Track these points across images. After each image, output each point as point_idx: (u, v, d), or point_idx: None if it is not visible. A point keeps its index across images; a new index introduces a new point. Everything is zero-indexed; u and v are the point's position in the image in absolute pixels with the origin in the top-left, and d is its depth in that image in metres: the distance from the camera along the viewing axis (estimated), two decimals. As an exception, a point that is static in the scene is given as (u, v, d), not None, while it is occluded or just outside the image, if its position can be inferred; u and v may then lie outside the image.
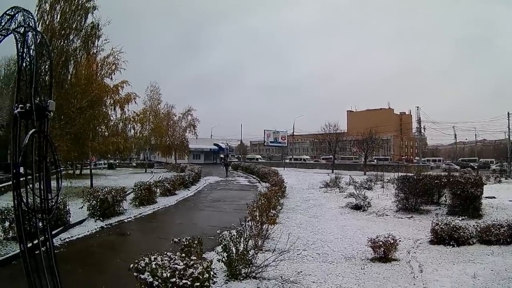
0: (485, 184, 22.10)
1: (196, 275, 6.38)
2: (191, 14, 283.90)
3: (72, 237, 13.29)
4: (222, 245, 8.88)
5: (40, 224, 5.05)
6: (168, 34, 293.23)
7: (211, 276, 6.87)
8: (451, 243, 12.39)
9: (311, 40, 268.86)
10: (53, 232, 10.15)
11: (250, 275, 8.89)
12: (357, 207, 20.20)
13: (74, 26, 23.50)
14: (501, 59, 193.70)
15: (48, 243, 5.05)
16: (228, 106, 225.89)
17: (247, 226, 10.01)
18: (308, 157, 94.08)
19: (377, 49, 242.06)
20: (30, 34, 5.13)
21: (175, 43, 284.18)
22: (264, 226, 12.03)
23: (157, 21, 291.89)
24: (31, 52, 5.06)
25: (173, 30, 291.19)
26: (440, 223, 12.89)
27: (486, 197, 19.88)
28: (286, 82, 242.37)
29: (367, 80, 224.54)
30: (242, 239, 9.14)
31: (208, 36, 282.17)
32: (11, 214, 10.99)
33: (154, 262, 6.46)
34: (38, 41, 5.20)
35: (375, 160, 77.89)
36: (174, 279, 6.21)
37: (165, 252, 6.93)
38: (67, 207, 14.47)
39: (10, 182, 4.98)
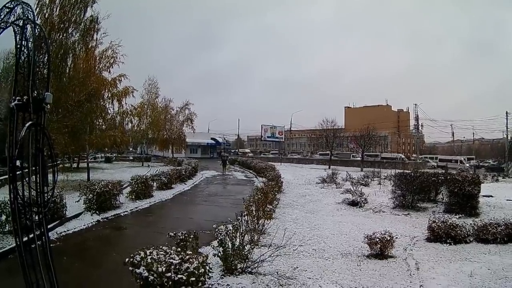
0: (483, 183, 22.13)
1: (192, 269, 6.39)
2: (202, 11, 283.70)
3: (68, 230, 13.26)
4: (218, 240, 8.88)
5: (36, 217, 5.03)
6: (179, 31, 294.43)
7: (207, 271, 6.88)
8: (448, 241, 12.45)
9: (320, 39, 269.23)
10: (49, 226, 10.17)
11: (246, 270, 8.90)
12: (353, 203, 20.26)
13: (73, 20, 23.36)
14: (504, 61, 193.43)
15: (44, 237, 5.03)
16: (233, 102, 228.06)
17: (243, 221, 10.06)
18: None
19: (385, 50, 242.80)
20: (29, 27, 5.10)
21: (185, 40, 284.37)
22: (261, 221, 12.09)
23: (169, 18, 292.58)
24: (29, 45, 5.03)
25: (184, 27, 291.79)
26: (437, 221, 12.94)
27: (484, 196, 19.95)
28: (292, 79, 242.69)
29: (372, 79, 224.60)
30: (238, 234, 9.15)
31: (218, 33, 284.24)
32: (7, 207, 10.96)
33: (150, 257, 6.46)
34: (37, 34, 5.18)
35: (379, 157, 77.47)
36: (169, 274, 6.22)
37: (161, 247, 6.94)
38: (64, 200, 14.46)
39: (6, 176, 4.96)
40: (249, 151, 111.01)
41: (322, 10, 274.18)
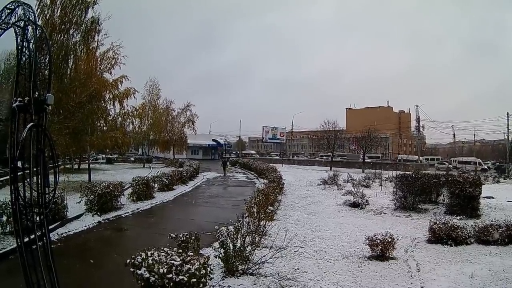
0: (484, 184, 22.11)
1: (193, 271, 6.39)
2: (203, 11, 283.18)
3: (69, 231, 13.28)
4: (219, 241, 8.88)
5: (37, 218, 5.04)
6: (179, 32, 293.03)
7: (208, 272, 6.89)
8: (449, 242, 12.44)
9: (321, 39, 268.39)
10: (50, 227, 10.15)
11: (247, 272, 8.90)
12: (355, 205, 20.24)
13: (74, 21, 23.41)
14: (504, 61, 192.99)
15: (45, 238, 5.04)
16: (233, 102, 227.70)
17: (244, 222, 10.03)
18: None
19: (386, 50, 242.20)
20: (30, 28, 5.11)
21: (186, 41, 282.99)
22: (262, 223, 12.06)
23: (169, 19, 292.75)
24: (30, 46, 5.03)
25: (185, 27, 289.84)
26: (438, 222, 12.93)
27: (485, 197, 19.89)
28: (293, 79, 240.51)
29: (373, 79, 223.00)
30: (240, 235, 9.16)
31: (219, 34, 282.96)
32: (8, 208, 10.96)
33: (151, 258, 6.47)
34: (38, 35, 5.18)
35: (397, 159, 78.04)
36: (170, 275, 6.22)
37: (162, 248, 6.95)
38: (65, 201, 14.45)
39: (8, 176, 4.97)
40: (254, 152, 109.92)
41: (323, 10, 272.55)
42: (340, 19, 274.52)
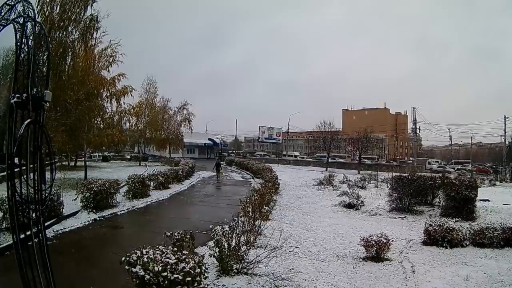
0: (480, 187, 22.16)
1: (188, 269, 6.39)
2: (208, 12, 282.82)
3: (65, 229, 13.26)
4: (214, 240, 8.89)
5: (33, 215, 5.03)
6: (186, 31, 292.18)
7: (203, 271, 6.87)
8: (444, 244, 12.48)
9: (324, 43, 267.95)
10: (46, 224, 10.13)
11: (242, 271, 8.91)
12: (350, 206, 20.28)
13: (73, 18, 23.36)
14: (506, 66, 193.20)
15: (41, 235, 5.03)
16: (235, 103, 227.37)
17: (239, 221, 10.07)
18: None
19: (390, 53, 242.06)
20: (29, 24, 5.10)
21: (192, 40, 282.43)
22: (257, 222, 12.06)
23: (175, 19, 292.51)
24: (29, 42, 5.03)
25: (191, 27, 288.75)
26: (433, 224, 12.97)
27: (481, 200, 19.96)
28: (295, 81, 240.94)
29: (374, 82, 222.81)
30: (235, 234, 9.17)
31: (225, 34, 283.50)
32: (4, 204, 10.94)
33: (146, 256, 6.46)
34: (37, 32, 5.18)
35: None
36: (165, 273, 6.22)
37: (157, 246, 6.93)
38: (61, 198, 14.45)
39: (4, 173, 4.96)
40: (298, 153, 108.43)
41: (328, 14, 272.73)
42: (348, 22, 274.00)
